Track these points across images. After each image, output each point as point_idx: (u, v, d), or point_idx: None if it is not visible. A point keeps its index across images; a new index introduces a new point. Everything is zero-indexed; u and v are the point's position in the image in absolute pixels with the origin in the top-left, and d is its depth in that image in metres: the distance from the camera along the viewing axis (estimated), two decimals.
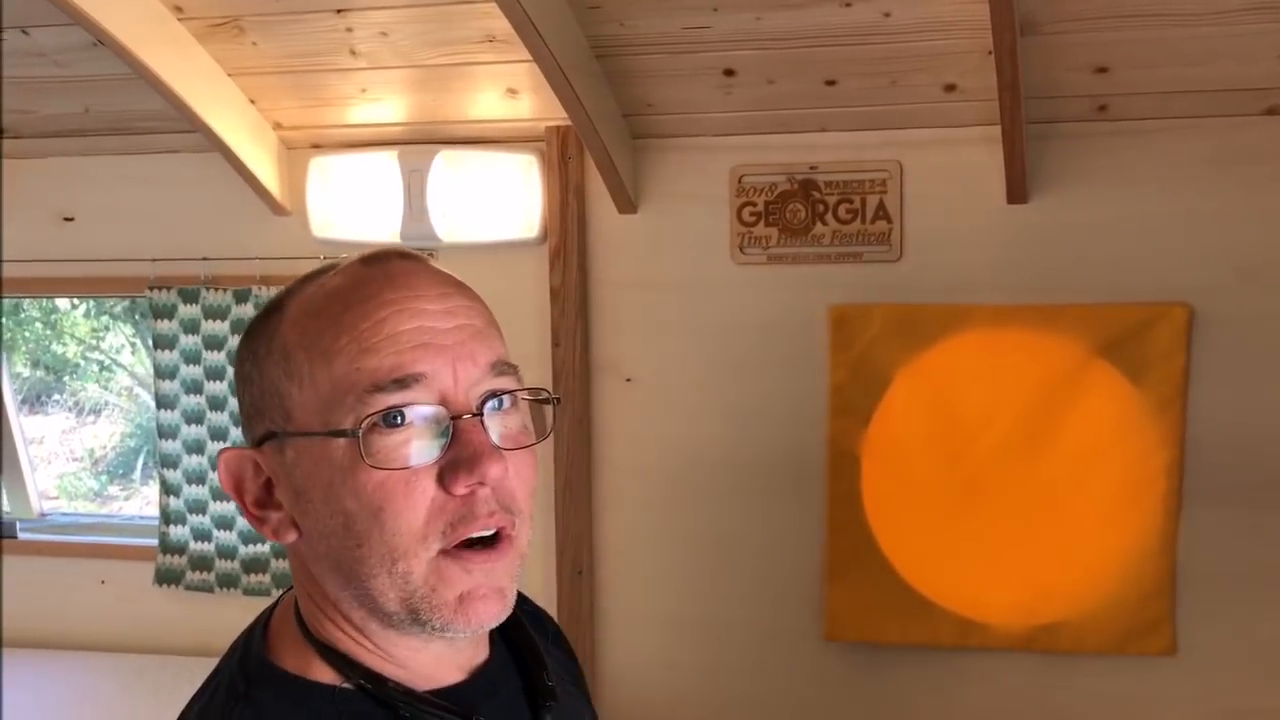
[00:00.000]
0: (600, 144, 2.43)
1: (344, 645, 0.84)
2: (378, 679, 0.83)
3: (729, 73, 2.35)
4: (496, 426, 0.81)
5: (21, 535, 3.10)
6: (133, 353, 6.56)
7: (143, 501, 6.32)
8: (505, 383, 0.83)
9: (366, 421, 0.77)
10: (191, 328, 2.84)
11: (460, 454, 0.78)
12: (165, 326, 2.86)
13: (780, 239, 2.52)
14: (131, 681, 2.82)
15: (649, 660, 2.75)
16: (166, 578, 2.95)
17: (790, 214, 2.50)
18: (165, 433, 2.93)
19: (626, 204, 2.58)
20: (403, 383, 0.77)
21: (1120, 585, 2.41)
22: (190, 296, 2.79)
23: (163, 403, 2.93)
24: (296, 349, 0.80)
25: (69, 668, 2.93)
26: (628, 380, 2.67)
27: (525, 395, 0.85)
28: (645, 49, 2.33)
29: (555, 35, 2.16)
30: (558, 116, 2.50)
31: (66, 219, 2.90)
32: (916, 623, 2.51)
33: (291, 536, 0.83)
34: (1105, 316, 2.37)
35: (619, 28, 2.28)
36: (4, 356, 3.11)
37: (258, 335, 0.83)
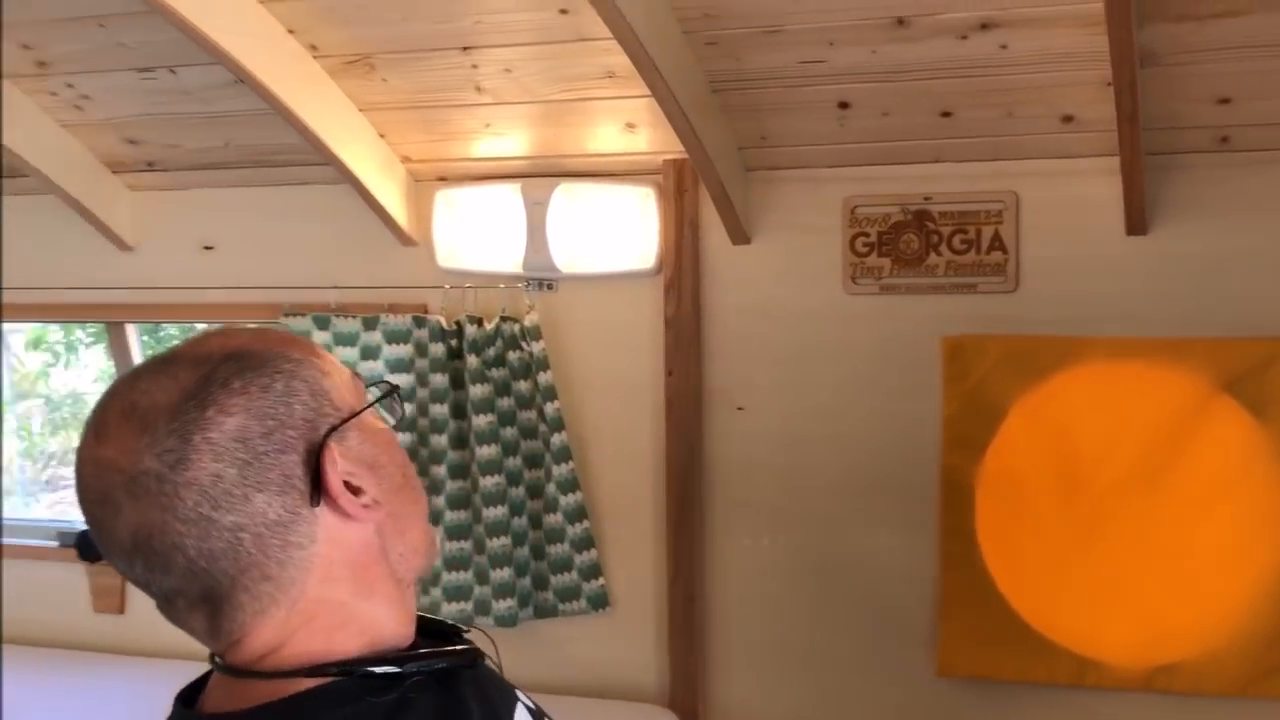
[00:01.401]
0: (716, 177, 2.47)
1: (340, 648, 0.86)
2: (379, 658, 0.87)
3: (844, 105, 2.38)
4: None
5: None
6: None
7: None
8: None
9: (373, 393, 0.92)
10: None
11: None
12: (408, 353, 2.87)
13: (893, 269, 2.53)
14: None
15: (757, 689, 2.76)
16: (451, 595, 2.88)
17: (904, 245, 2.51)
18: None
19: (740, 235, 2.62)
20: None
21: (1243, 626, 2.34)
22: (322, 323, 2.90)
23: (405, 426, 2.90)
24: None
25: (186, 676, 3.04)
26: (739, 409, 2.70)
27: None
28: (761, 83, 2.37)
29: (673, 71, 2.22)
30: (675, 150, 2.55)
31: (206, 248, 3.04)
32: (1031, 660, 2.48)
33: (380, 512, 0.87)
34: (1229, 351, 2.32)
35: (735, 63, 2.32)
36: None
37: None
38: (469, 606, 2.85)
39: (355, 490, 0.85)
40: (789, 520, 2.70)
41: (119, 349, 3.25)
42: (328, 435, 0.84)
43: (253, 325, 0.93)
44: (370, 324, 2.88)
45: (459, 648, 0.91)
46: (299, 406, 0.84)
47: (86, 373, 6.79)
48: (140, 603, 3.20)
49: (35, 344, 6.73)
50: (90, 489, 0.82)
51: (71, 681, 3.01)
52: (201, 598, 0.82)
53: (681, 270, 2.67)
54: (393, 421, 0.94)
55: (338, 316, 2.90)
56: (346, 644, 0.86)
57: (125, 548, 0.81)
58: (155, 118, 2.78)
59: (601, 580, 2.80)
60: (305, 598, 0.84)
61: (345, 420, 0.86)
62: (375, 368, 2.83)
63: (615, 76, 2.40)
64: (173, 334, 5.91)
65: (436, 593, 2.85)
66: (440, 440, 2.81)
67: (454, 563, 2.84)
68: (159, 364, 0.84)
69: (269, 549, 0.81)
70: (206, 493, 0.79)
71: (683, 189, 2.65)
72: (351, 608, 0.86)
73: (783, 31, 2.23)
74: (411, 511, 0.91)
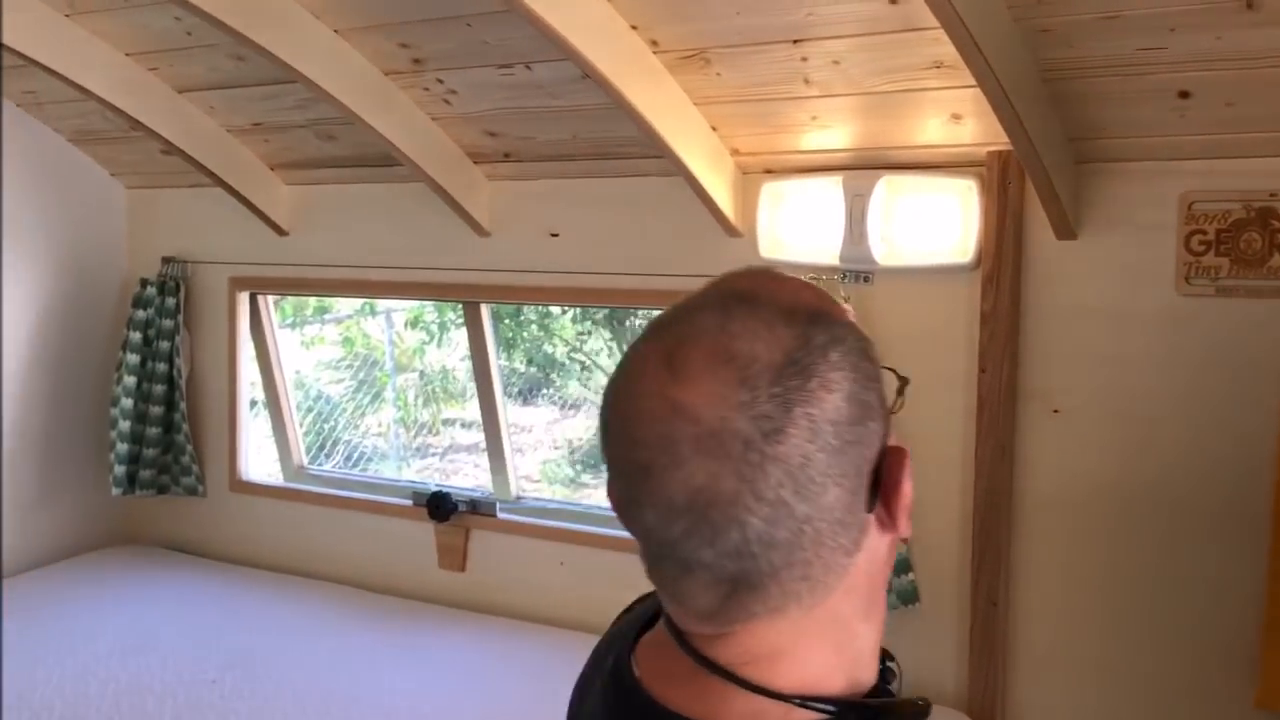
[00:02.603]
0: (1042, 169, 2.43)
1: (829, 681, 0.79)
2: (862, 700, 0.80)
3: (1184, 95, 2.28)
4: None
5: (500, 515, 3.52)
6: (609, 356, 7.24)
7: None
8: None
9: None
10: None
11: None
12: None
13: (1232, 270, 2.39)
14: (580, 659, 3.08)
15: (1058, 702, 2.67)
16: None
17: (1245, 244, 2.37)
18: None
19: (1066, 230, 2.56)
20: None
21: None
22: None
23: None
24: None
25: (525, 638, 3.28)
26: (1055, 411, 2.63)
27: None
28: (1095, 71, 2.31)
29: (1001, 60, 2.21)
30: (1000, 141, 2.53)
31: (553, 234, 3.29)
32: None
33: (900, 527, 0.80)
34: None
35: (1068, 50, 2.28)
36: (496, 356, 3.56)
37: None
38: None
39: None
40: (1101, 529, 2.59)
41: (474, 326, 3.55)
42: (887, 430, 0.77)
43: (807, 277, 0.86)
44: None
45: (918, 699, 0.82)
46: (877, 396, 0.76)
47: (457, 350, 7.42)
48: (480, 562, 3.50)
49: (413, 323, 7.42)
50: (649, 429, 0.73)
51: (414, 631, 3.30)
52: (730, 578, 0.73)
53: (1001, 265, 2.64)
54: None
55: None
56: (835, 677, 0.79)
57: (674, 504, 0.72)
58: (512, 112, 3.04)
59: (911, 575, 2.79)
60: (823, 606, 0.76)
61: (889, 414, 0.78)
62: None
63: (943, 67, 2.42)
64: (531, 318, 6.36)
65: None
66: None
67: None
68: (745, 306, 0.75)
69: (823, 549, 0.73)
70: (793, 475, 0.71)
71: (1006, 181, 2.61)
72: (853, 628, 0.79)
73: (1120, 17, 2.16)
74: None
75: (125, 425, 3.89)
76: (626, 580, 3.15)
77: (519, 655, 3.14)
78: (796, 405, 0.71)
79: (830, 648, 0.78)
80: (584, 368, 7.78)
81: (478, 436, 7.96)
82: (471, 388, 8.39)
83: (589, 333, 7.51)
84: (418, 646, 3.18)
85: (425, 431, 7.98)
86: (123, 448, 3.90)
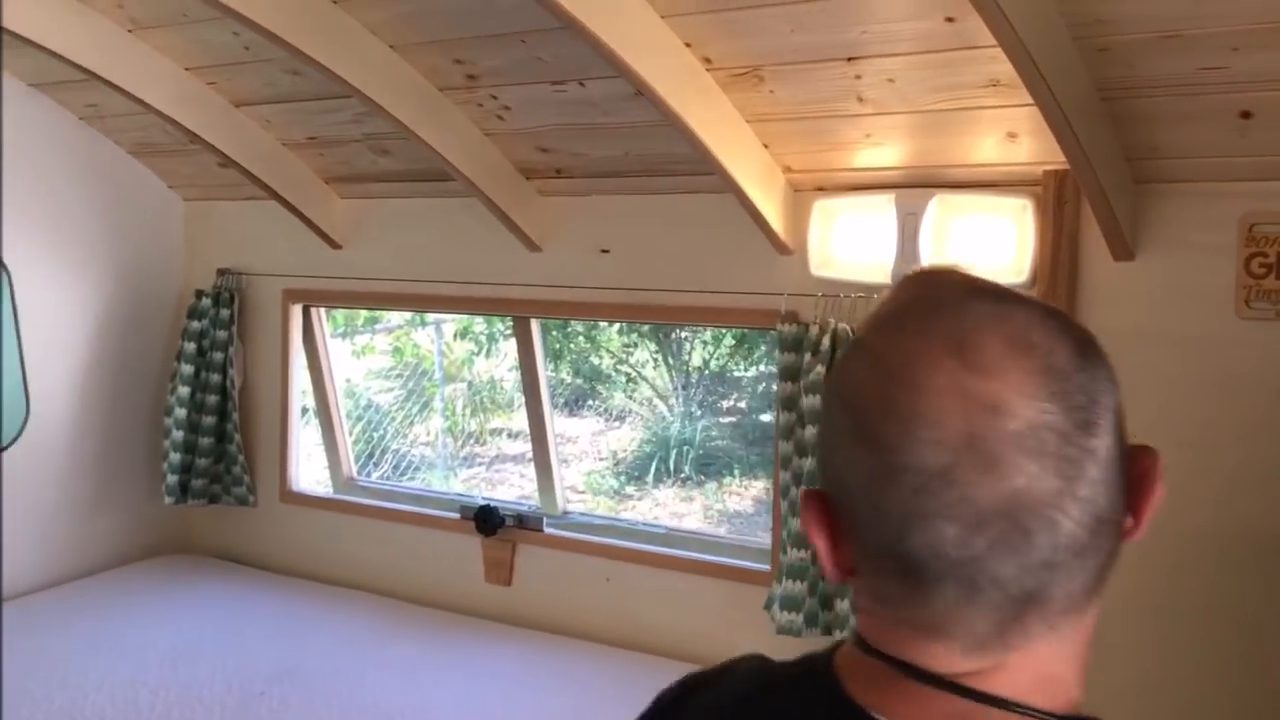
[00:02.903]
0: (1099, 188, 2.40)
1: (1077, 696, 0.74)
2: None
3: (1246, 115, 2.24)
4: None
5: (547, 530, 3.52)
6: (654, 368, 7.25)
7: (651, 503, 6.98)
8: None
9: None
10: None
11: None
12: (791, 360, 2.91)
13: None
14: (624, 676, 3.07)
15: None
16: (786, 631, 2.87)
17: None
18: (784, 463, 2.95)
19: (1123, 251, 2.52)
20: None
21: None
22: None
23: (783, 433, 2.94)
24: None
25: (571, 654, 3.27)
26: None
27: None
28: (1155, 91, 2.28)
29: (1060, 79, 2.18)
30: (1056, 160, 2.50)
31: (603, 250, 3.30)
32: None
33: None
34: None
35: (1128, 69, 2.25)
36: (545, 370, 3.57)
37: None
38: (798, 618, 2.88)
39: None
40: (1159, 559, 2.54)
41: (523, 341, 3.57)
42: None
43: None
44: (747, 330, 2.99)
45: None
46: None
47: (505, 361, 7.47)
48: (526, 577, 3.50)
49: (462, 334, 7.49)
50: (948, 429, 0.66)
51: (460, 645, 3.31)
52: (1023, 595, 0.67)
53: (1056, 286, 2.61)
54: None
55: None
56: (1077, 691, 0.74)
57: (983, 512, 0.65)
58: (565, 128, 3.05)
59: None
60: (1083, 625, 0.72)
61: None
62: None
63: (999, 85, 2.39)
64: (578, 330, 6.40)
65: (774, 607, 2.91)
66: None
67: (794, 572, 2.89)
68: (1005, 296, 0.72)
69: (1104, 552, 0.69)
70: (1102, 469, 0.67)
71: (1063, 201, 2.58)
72: (1086, 649, 0.75)
73: (1181, 36, 2.13)
74: None
75: (179, 435, 3.94)
76: (672, 599, 3.15)
77: (564, 672, 3.14)
78: (1100, 394, 0.67)
79: (1080, 666, 0.73)
80: (629, 379, 7.82)
81: (524, 447, 8.01)
82: (518, 398, 8.46)
83: (635, 345, 7.56)
84: (463, 661, 3.19)
85: (472, 441, 8.03)
86: (176, 457, 3.95)
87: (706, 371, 7.98)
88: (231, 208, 4.05)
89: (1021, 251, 2.64)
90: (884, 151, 2.74)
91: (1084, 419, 0.66)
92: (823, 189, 2.92)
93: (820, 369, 2.81)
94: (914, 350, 0.68)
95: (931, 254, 2.71)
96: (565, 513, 3.61)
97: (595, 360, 7.39)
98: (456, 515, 3.64)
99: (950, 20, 2.27)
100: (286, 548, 4.03)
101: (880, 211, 2.78)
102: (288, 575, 3.94)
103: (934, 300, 0.72)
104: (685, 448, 7.73)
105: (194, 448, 3.98)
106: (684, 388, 7.98)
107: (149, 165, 4.06)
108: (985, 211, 2.68)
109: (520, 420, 8.14)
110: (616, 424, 7.92)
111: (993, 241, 2.67)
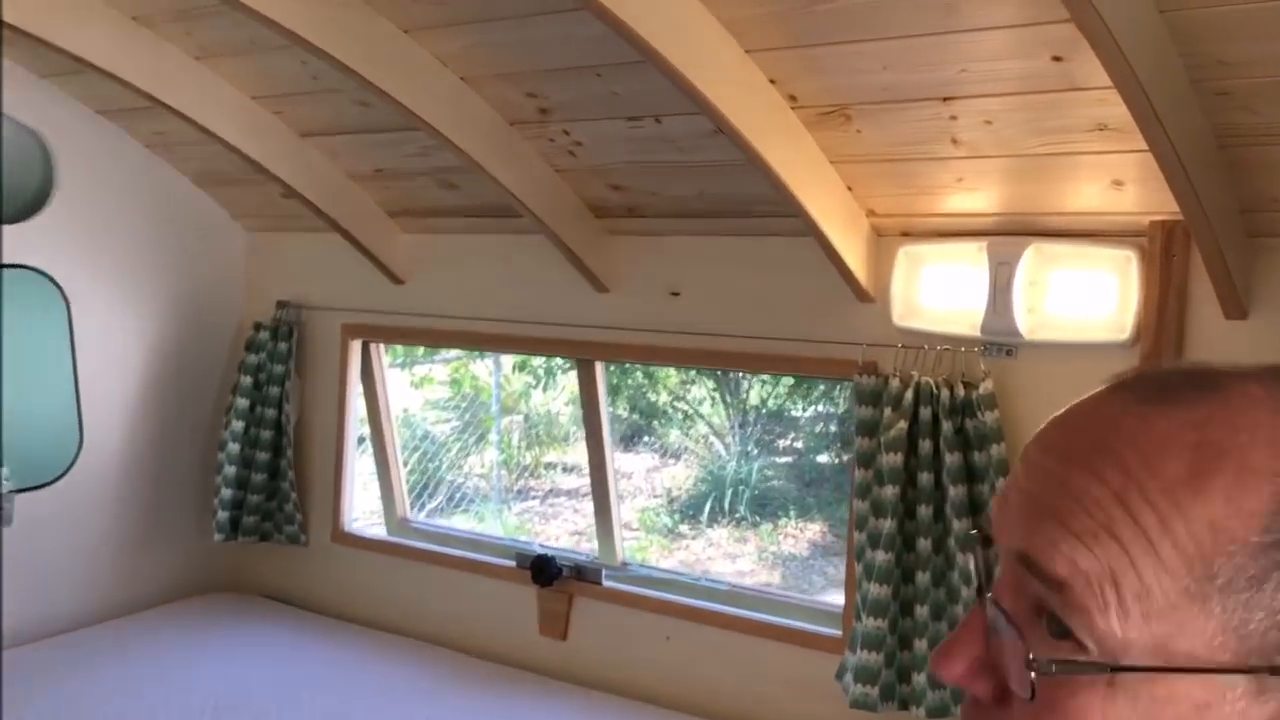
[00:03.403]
0: (1213, 240, 2.24)
1: None
2: None
3: None
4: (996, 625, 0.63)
5: (605, 583, 3.37)
6: (711, 406, 7.14)
7: (705, 543, 6.85)
8: (1024, 586, 0.61)
9: None
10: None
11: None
12: (868, 414, 2.75)
13: None
14: None
15: None
16: (860, 704, 2.70)
17: None
18: (859, 524, 2.78)
19: (1236, 308, 2.35)
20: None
21: None
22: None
23: (859, 491, 2.79)
24: None
25: (629, 716, 3.12)
26: None
27: (1016, 637, 0.61)
28: (1277, 139, 2.12)
29: (1177, 122, 2.03)
30: (1165, 210, 2.34)
31: (673, 293, 3.17)
32: None
33: None
34: None
35: (1250, 116, 2.09)
36: (606, 410, 3.43)
37: None
38: (874, 691, 2.71)
39: None
40: None
41: (587, 383, 3.44)
42: None
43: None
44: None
45: None
46: None
47: (561, 395, 7.39)
48: (582, 631, 3.35)
49: (520, 367, 7.42)
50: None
51: (512, 702, 3.17)
52: None
53: (1162, 343, 2.43)
54: None
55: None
56: None
57: None
58: (639, 165, 2.94)
59: None
60: None
61: None
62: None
63: (1106, 130, 2.24)
64: (636, 366, 6.32)
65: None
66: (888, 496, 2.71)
67: (869, 641, 2.71)
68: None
69: None
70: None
71: (1170, 253, 2.42)
72: None
73: None
74: None
75: (231, 470, 3.85)
76: (737, 662, 2.98)
77: None
78: None
79: None
80: (686, 416, 7.72)
81: (578, 482, 7.92)
82: (574, 432, 8.38)
83: (693, 382, 7.47)
84: (516, 719, 3.04)
85: (526, 474, 7.95)
86: (227, 493, 3.86)
87: (764, 410, 7.85)
88: (293, 239, 3.98)
89: (1124, 307, 2.47)
90: (976, 197, 2.59)
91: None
92: (908, 234, 2.78)
93: (903, 425, 2.65)
94: None
95: (1026, 306, 2.55)
96: (625, 564, 3.46)
97: (652, 397, 7.30)
98: (512, 563, 3.50)
99: (1058, 60, 2.13)
100: (337, 589, 3.92)
101: (970, 260, 2.63)
102: (337, 618, 3.83)
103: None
104: (741, 487, 7.59)
105: (246, 484, 3.89)
106: (740, 426, 7.85)
107: (213, 195, 4.00)
108: (1085, 263, 2.52)
109: (575, 455, 8.07)
110: (671, 461, 7.80)
111: (1093, 294, 2.51)
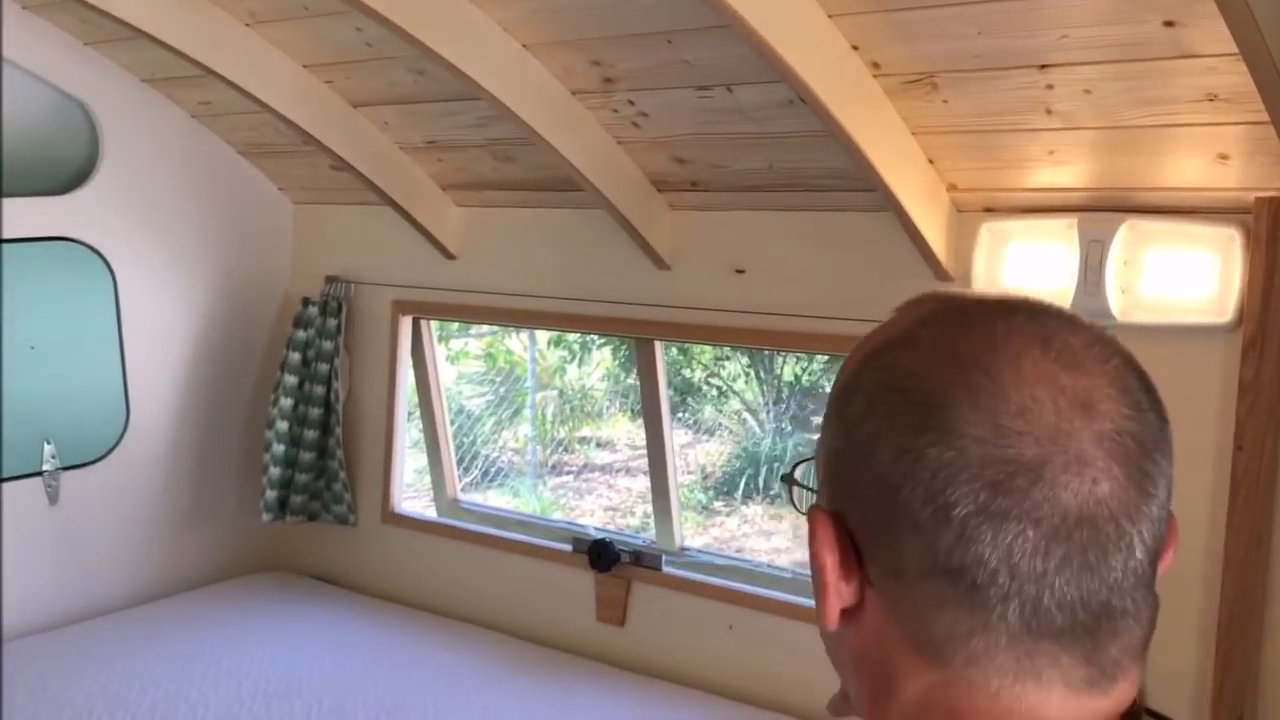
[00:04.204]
0: None
1: None
2: None
3: None
4: None
5: (665, 569, 3.26)
6: (746, 382, 7.07)
7: (739, 520, 6.81)
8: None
9: None
10: None
11: None
12: None
13: None
14: None
15: None
16: None
17: None
18: None
19: None
20: None
21: None
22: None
23: None
24: None
25: (691, 705, 3.01)
26: None
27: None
28: None
29: None
30: (1272, 186, 2.21)
31: (738, 271, 3.04)
32: None
33: None
34: None
35: None
36: (666, 395, 3.32)
37: None
38: None
39: None
40: None
41: (646, 364, 3.33)
42: None
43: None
44: None
45: None
46: None
47: (596, 370, 7.32)
48: (641, 617, 3.26)
49: (556, 342, 7.36)
50: (1039, 421, 0.61)
51: (571, 689, 3.07)
52: (1090, 625, 0.62)
53: (1268, 327, 2.30)
54: None
55: None
56: None
57: (1068, 515, 0.60)
58: (706, 137, 2.81)
59: None
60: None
61: None
62: None
63: (1216, 100, 2.10)
64: (673, 352, 6.23)
65: None
66: None
67: None
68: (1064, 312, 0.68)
69: (1152, 609, 0.66)
70: (1163, 503, 0.64)
71: (1278, 232, 2.27)
72: None
73: None
74: None
75: (279, 449, 3.78)
76: (801, 652, 2.87)
77: None
78: (1166, 424, 0.64)
79: None
80: (720, 393, 7.66)
81: (610, 457, 7.87)
82: (608, 407, 8.31)
83: (728, 358, 7.42)
84: (574, 708, 2.95)
85: (561, 450, 7.90)
86: (275, 472, 3.78)
87: (798, 387, 7.75)
88: (342, 212, 3.88)
89: (1226, 288, 2.33)
90: (1068, 171, 2.45)
91: (1158, 437, 0.63)
92: (991, 210, 2.64)
93: None
94: (997, 337, 0.63)
95: (1119, 286, 2.42)
96: (683, 549, 3.36)
97: (687, 373, 7.23)
98: (568, 547, 3.40)
99: (1169, 25, 1.99)
100: (386, 571, 3.84)
101: (1059, 237, 2.50)
102: (386, 600, 3.75)
103: (989, 302, 0.67)
104: (775, 464, 7.50)
105: (294, 462, 3.81)
106: (775, 403, 7.76)
107: (259, 166, 3.91)
108: (1184, 241, 2.38)
109: (609, 430, 8.00)
110: (705, 437, 7.73)
111: (1192, 275, 2.37)
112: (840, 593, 0.67)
